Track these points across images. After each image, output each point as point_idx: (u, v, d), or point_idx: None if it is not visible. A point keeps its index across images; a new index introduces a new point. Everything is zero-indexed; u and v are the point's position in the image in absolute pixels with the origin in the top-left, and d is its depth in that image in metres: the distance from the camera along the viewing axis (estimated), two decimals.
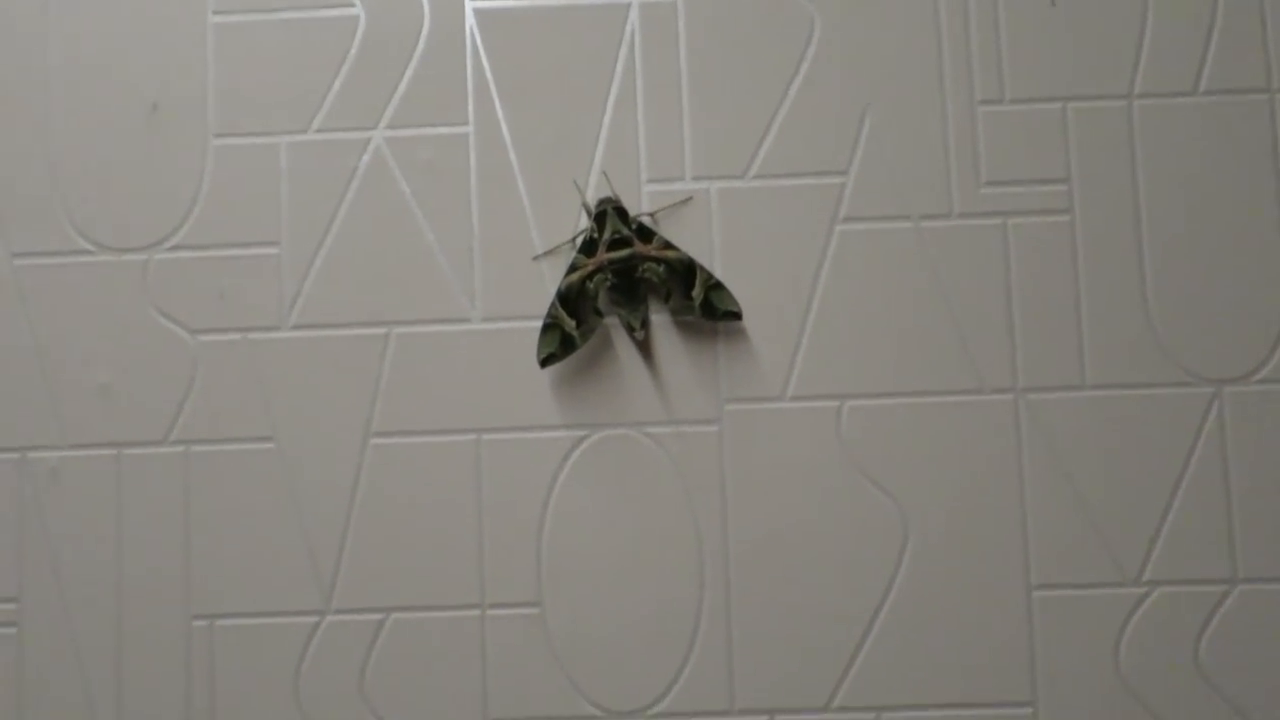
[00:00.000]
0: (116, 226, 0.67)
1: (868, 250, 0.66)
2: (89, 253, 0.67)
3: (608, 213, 0.64)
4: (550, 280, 0.66)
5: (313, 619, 0.64)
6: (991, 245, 0.65)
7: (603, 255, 0.64)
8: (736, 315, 0.64)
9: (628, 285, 0.64)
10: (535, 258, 0.66)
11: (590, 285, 0.64)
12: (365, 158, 0.67)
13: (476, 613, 0.64)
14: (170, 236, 0.67)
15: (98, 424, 0.66)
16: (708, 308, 0.64)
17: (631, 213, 0.65)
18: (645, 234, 0.65)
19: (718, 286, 0.64)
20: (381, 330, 0.66)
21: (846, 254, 0.66)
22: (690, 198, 0.66)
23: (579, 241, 0.65)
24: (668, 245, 0.65)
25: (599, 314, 0.64)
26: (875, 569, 0.64)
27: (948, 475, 0.64)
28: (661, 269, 0.64)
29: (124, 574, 0.65)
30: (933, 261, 0.66)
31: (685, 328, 0.65)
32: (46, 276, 0.67)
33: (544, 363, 0.64)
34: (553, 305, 0.64)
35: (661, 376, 0.65)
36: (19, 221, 0.67)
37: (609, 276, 0.64)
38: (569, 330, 0.64)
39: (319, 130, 0.67)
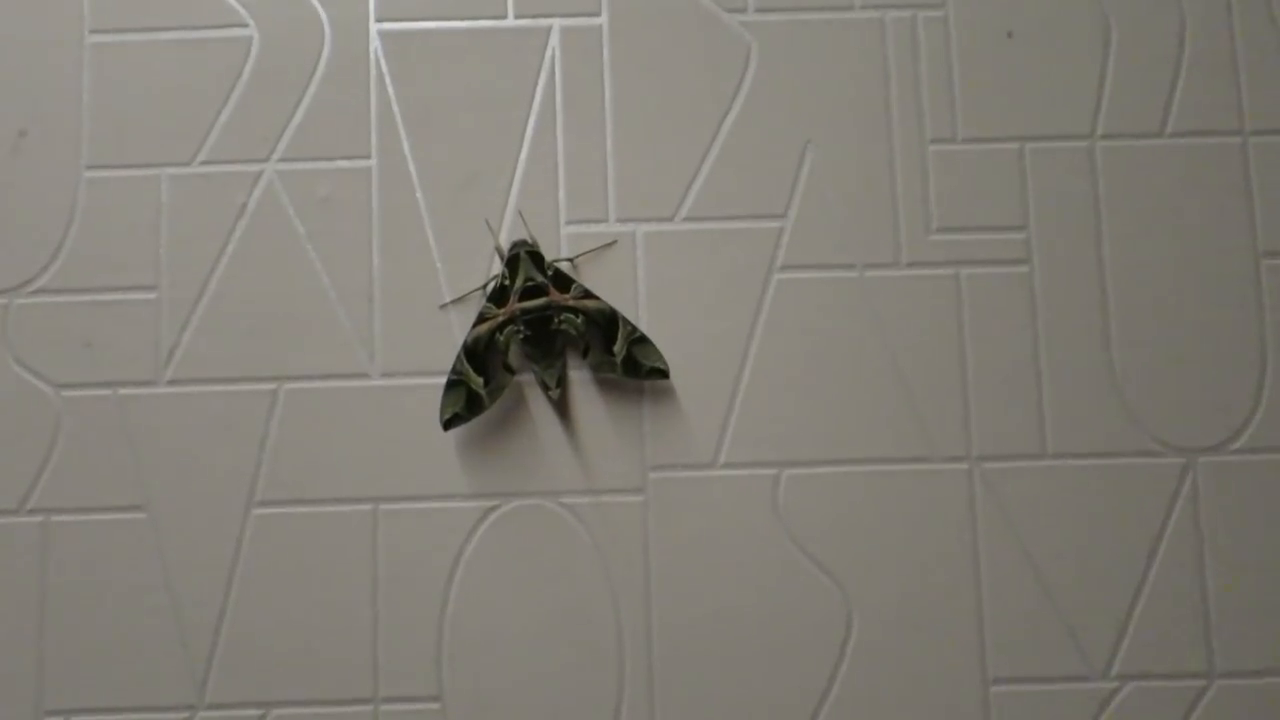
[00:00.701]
0: None
1: (807, 301, 0.59)
2: None
3: (520, 257, 0.58)
4: (458, 331, 0.59)
5: (183, 715, 0.57)
6: (943, 297, 0.60)
7: (514, 304, 0.58)
8: (663, 373, 0.58)
9: (542, 338, 0.58)
10: (442, 306, 0.60)
11: (500, 338, 0.58)
12: (256, 193, 0.60)
13: (369, 708, 0.57)
14: (34, 279, 0.60)
15: None
16: (631, 364, 0.57)
17: (548, 257, 0.59)
18: (563, 281, 0.59)
19: (642, 340, 0.58)
20: (269, 386, 0.59)
21: (784, 305, 0.60)
22: (614, 241, 0.60)
23: (489, 289, 0.59)
24: (587, 294, 0.58)
25: (510, 370, 0.58)
26: (815, 659, 0.57)
27: (896, 554, 0.58)
28: (580, 320, 0.58)
29: None
30: (879, 315, 0.60)
31: (606, 386, 0.59)
32: None
33: (448, 424, 0.57)
34: (458, 360, 0.58)
35: (580, 440, 0.59)
36: None
37: (521, 328, 0.57)
38: (476, 388, 0.57)
39: (204, 162, 0.61)
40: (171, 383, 0.59)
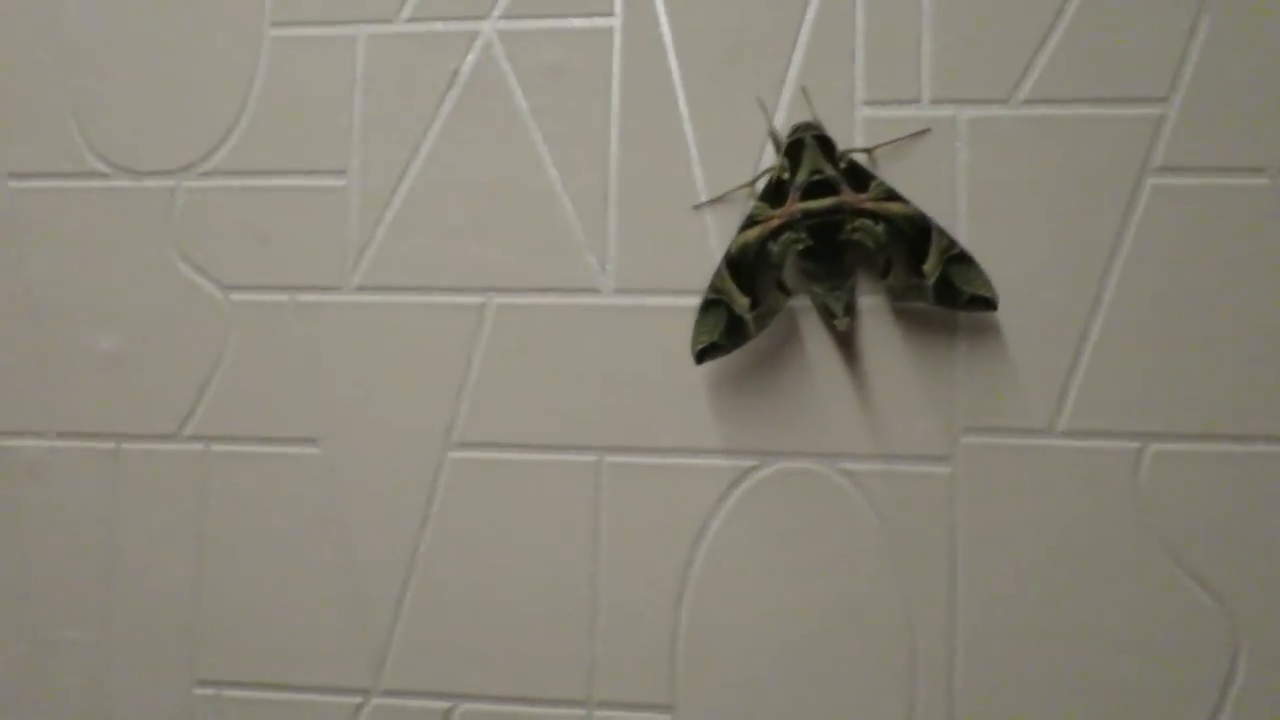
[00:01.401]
0: (137, 145, 0.49)
1: (1194, 217, 0.44)
2: (102, 175, 0.49)
3: (805, 144, 0.44)
4: (717, 239, 0.45)
5: (353, 700, 0.45)
6: None
7: (795, 205, 0.44)
8: (989, 303, 0.43)
9: (830, 250, 0.44)
10: (698, 206, 0.46)
11: (774, 248, 0.44)
12: (470, 58, 0.48)
13: (582, 713, 0.44)
14: (205, 159, 0.49)
15: (93, 406, 0.48)
16: (946, 290, 0.43)
17: (840, 146, 0.44)
18: (859, 177, 0.44)
19: (962, 259, 0.43)
20: (477, 299, 0.47)
21: (1161, 221, 0.44)
22: (928, 129, 0.45)
23: (761, 185, 0.45)
24: (891, 195, 0.44)
25: (784, 291, 0.44)
26: (1185, 703, 0.41)
27: None
28: (880, 229, 0.43)
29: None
30: None
31: (911, 319, 0.44)
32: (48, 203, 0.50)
33: (701, 355, 0.44)
34: (718, 274, 0.44)
35: (870, 389, 0.44)
36: (20, 134, 0.50)
37: (803, 236, 0.43)
38: (739, 311, 0.43)
39: (410, 19, 0.49)
40: (360, 289, 0.47)
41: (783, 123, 0.46)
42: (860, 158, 0.45)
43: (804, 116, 0.46)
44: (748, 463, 0.45)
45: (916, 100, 0.46)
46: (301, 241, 0.48)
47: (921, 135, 0.45)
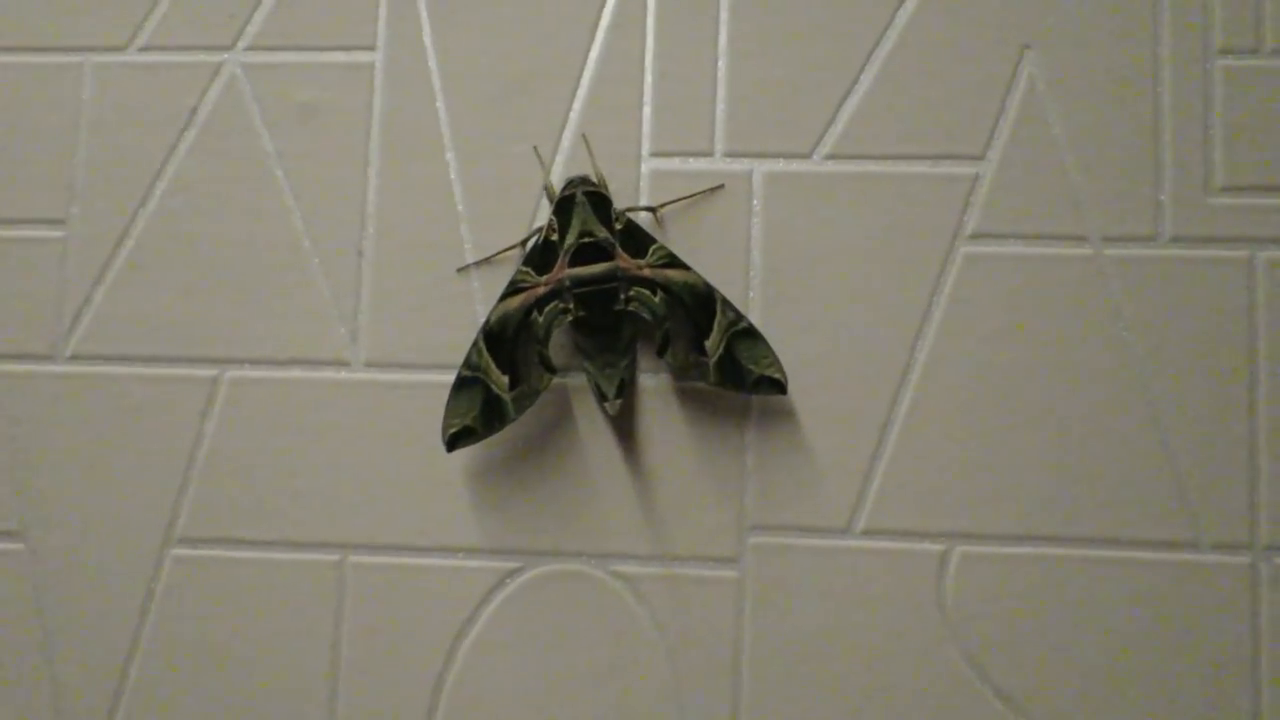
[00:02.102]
0: None
1: (1005, 288, 0.39)
2: None
3: (577, 201, 0.39)
4: (479, 306, 0.40)
5: None
6: (1227, 288, 0.38)
7: (563, 270, 0.38)
8: (779, 385, 0.38)
9: (603, 322, 0.39)
10: (461, 269, 0.41)
11: (539, 319, 0.38)
12: (212, 93, 0.42)
13: None
14: None
15: None
16: (731, 369, 0.38)
17: (618, 204, 0.39)
18: (637, 240, 0.39)
19: (749, 335, 0.38)
20: (207, 371, 0.41)
21: (972, 292, 0.39)
22: (721, 185, 0.40)
23: (530, 245, 0.40)
24: (671, 261, 0.39)
25: (549, 368, 0.39)
26: None
27: (1123, 678, 0.37)
28: (659, 300, 0.38)
29: None
30: (1120, 313, 0.39)
31: (695, 401, 0.39)
32: None
33: (453, 441, 0.38)
34: (475, 348, 0.39)
35: (648, 480, 0.39)
36: None
37: (572, 306, 0.38)
38: (498, 390, 0.38)
39: (143, 48, 0.43)
40: (75, 358, 0.41)
41: (560, 175, 0.41)
42: (643, 216, 0.40)
43: (581, 169, 0.40)
44: (511, 564, 0.39)
45: (709, 153, 0.40)
46: (7, 303, 0.42)
47: (713, 192, 0.40)
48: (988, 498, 0.38)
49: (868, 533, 0.38)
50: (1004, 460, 0.38)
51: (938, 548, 0.38)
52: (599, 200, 0.39)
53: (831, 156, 0.40)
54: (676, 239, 0.40)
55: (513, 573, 0.39)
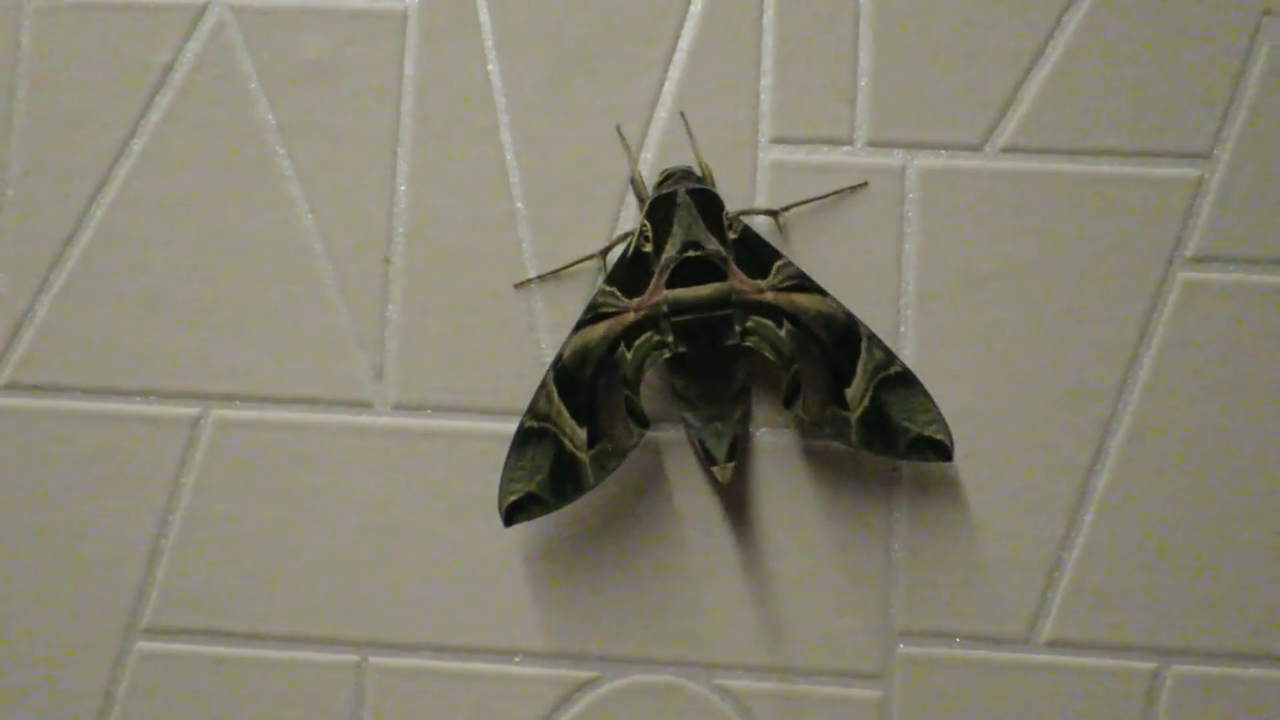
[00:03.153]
0: None
1: (1239, 317, 0.30)
2: None
3: (677, 201, 0.29)
4: (550, 336, 0.31)
5: None
6: None
7: (660, 293, 0.29)
8: (943, 450, 0.29)
9: (710, 363, 0.29)
10: (519, 285, 0.31)
11: (628, 356, 0.29)
12: (192, 46, 0.32)
13: None
14: None
15: None
16: (879, 427, 0.29)
17: (730, 206, 0.30)
18: (757, 254, 0.30)
19: (904, 383, 0.29)
20: (188, 409, 0.31)
21: (1196, 329, 0.30)
22: (864, 183, 0.31)
23: (613, 257, 0.30)
24: (802, 283, 0.29)
25: (639, 420, 0.29)
26: None
27: None
28: (785, 333, 0.29)
29: None
30: None
31: (827, 467, 0.30)
32: None
33: (512, 513, 0.29)
34: (544, 391, 0.29)
35: (765, 570, 0.30)
36: None
37: (670, 341, 0.29)
38: (573, 447, 0.29)
39: None
40: (9, 389, 0.32)
41: (653, 165, 0.31)
42: (762, 222, 0.31)
43: (681, 158, 0.31)
44: (585, 673, 0.30)
45: (848, 141, 0.31)
46: None
47: (855, 192, 0.31)
48: (1211, 602, 0.29)
49: (1053, 644, 0.30)
50: (1233, 553, 0.29)
51: (1147, 666, 0.29)
52: (707, 200, 0.30)
53: (1009, 150, 0.31)
54: (807, 253, 0.31)
55: (586, 684, 0.30)
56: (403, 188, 0.32)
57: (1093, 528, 0.30)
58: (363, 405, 0.31)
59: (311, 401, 0.31)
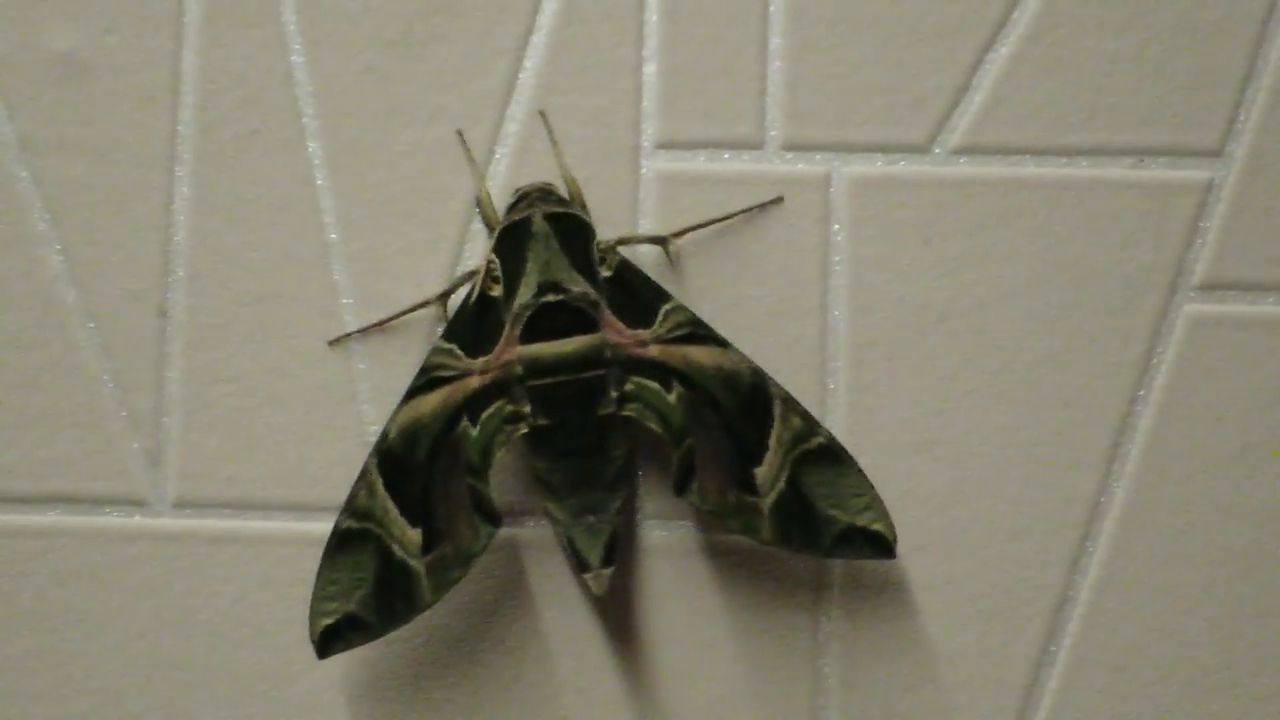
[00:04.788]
0: None
1: (1258, 362, 0.24)
2: None
3: (533, 229, 0.22)
4: (365, 407, 0.24)
5: None
6: None
7: (513, 349, 0.22)
8: (882, 544, 0.23)
9: (580, 437, 0.24)
10: (333, 342, 0.24)
11: (473, 431, 0.22)
12: None
13: None
14: None
15: None
16: (799, 516, 0.24)
17: (603, 233, 0.23)
18: (634, 294, 0.23)
19: (827, 458, 0.23)
20: None
21: (1202, 363, 0.23)
22: (778, 198, 0.24)
23: (455, 304, 0.23)
24: (695, 331, 0.23)
25: (488, 516, 0.23)
26: None
27: None
28: (674, 398, 0.22)
29: None
30: None
31: (732, 567, 0.24)
32: None
33: (326, 641, 0.23)
34: (364, 480, 0.23)
35: (654, 703, 0.23)
36: None
37: (528, 411, 0.22)
38: (402, 553, 0.23)
39: None
40: None
41: (504, 181, 0.24)
42: (645, 253, 0.24)
43: (540, 172, 0.24)
44: None
45: (757, 144, 0.24)
46: None
47: (766, 210, 0.24)
48: None
49: None
50: (1262, 662, 0.23)
51: None
52: (571, 226, 0.23)
53: (963, 151, 0.24)
54: (704, 293, 0.24)
55: None
56: (181, 217, 0.25)
57: (1079, 640, 0.23)
58: (134, 504, 0.24)
59: (68, 500, 0.24)
